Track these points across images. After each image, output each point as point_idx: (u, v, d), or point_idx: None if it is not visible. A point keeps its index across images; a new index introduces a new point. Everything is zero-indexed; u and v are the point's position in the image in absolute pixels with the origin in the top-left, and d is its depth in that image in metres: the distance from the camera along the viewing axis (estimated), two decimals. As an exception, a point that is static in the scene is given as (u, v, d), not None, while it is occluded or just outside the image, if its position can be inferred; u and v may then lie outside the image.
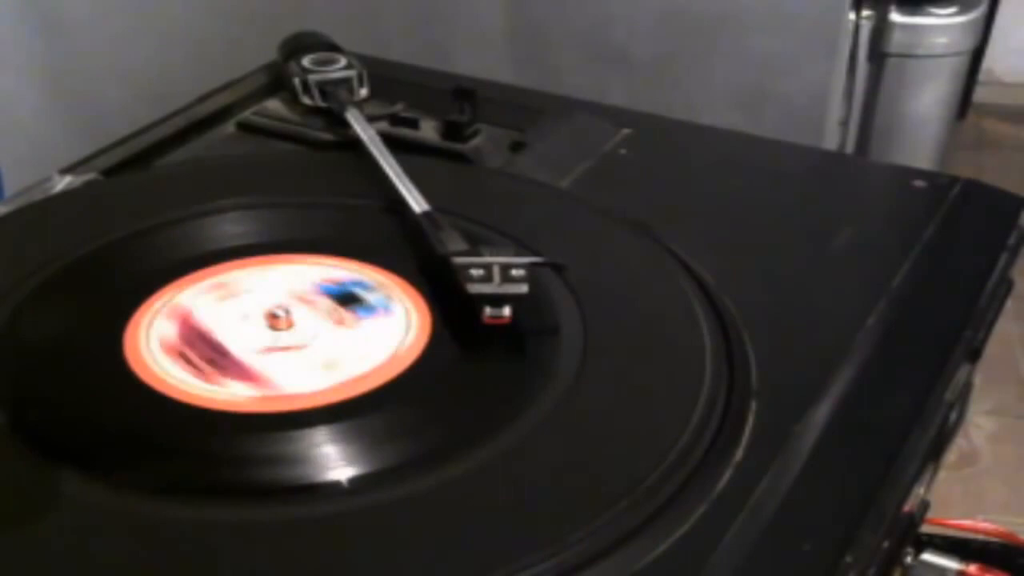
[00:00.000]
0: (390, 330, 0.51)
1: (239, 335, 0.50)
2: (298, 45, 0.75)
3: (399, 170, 0.60)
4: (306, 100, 0.72)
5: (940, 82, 1.03)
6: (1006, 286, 0.60)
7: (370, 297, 0.53)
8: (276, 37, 0.76)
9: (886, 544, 0.45)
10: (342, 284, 0.54)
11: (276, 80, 0.76)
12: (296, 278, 0.54)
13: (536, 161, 0.67)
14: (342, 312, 0.52)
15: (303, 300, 0.53)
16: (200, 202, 0.59)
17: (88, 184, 0.64)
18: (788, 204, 0.65)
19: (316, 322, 0.51)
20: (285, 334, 0.51)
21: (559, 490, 0.44)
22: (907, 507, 0.48)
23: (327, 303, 0.52)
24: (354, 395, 0.47)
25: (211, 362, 0.49)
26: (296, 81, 0.72)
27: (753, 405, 0.48)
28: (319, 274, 0.54)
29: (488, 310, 0.49)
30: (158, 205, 0.59)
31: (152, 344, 0.49)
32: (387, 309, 0.52)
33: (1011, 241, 0.62)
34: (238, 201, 0.60)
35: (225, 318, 0.52)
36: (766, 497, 0.44)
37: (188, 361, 0.49)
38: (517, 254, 0.52)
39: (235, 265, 0.55)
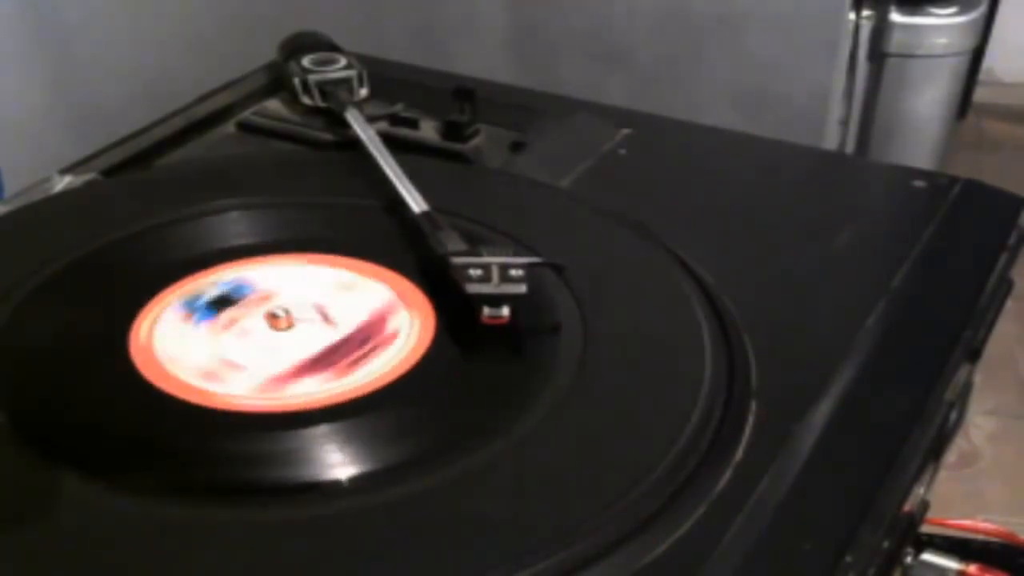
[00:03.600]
0: (284, 270, 0.54)
1: (294, 346, 0.50)
2: (298, 45, 0.75)
3: (398, 170, 0.60)
4: (306, 100, 0.72)
5: (940, 82, 1.03)
6: (1006, 286, 0.60)
7: (221, 290, 0.53)
8: (276, 37, 0.76)
9: (886, 544, 0.45)
10: (193, 303, 0.52)
11: (276, 80, 0.76)
12: (173, 319, 0.52)
13: (536, 161, 0.67)
14: (263, 302, 0.52)
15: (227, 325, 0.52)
16: (200, 202, 0.59)
17: (88, 184, 0.64)
18: (788, 204, 0.65)
19: (294, 301, 0.52)
20: (313, 325, 0.51)
21: (559, 490, 0.44)
22: (907, 507, 0.48)
23: (228, 313, 0.52)
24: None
25: (341, 360, 0.49)
26: (296, 81, 0.72)
27: (753, 405, 0.48)
28: (177, 305, 0.53)
29: (486, 310, 0.49)
30: (158, 205, 0.59)
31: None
32: (242, 278, 0.53)
33: (1011, 241, 0.62)
34: (238, 201, 0.60)
35: (251, 353, 0.50)
36: (766, 497, 0.44)
37: (327, 365, 0.48)
38: (516, 254, 0.52)
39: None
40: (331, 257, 0.56)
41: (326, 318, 0.52)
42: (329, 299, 0.53)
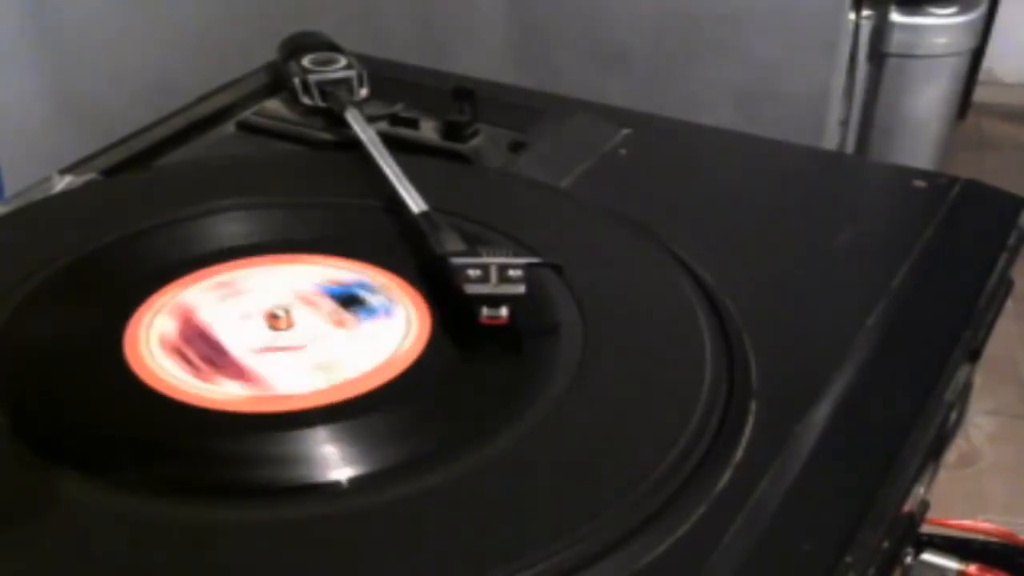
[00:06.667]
0: (389, 333, 0.51)
1: (238, 334, 0.50)
2: (298, 45, 0.75)
3: (398, 170, 0.60)
4: (306, 100, 0.72)
5: (940, 82, 1.03)
6: (1006, 286, 0.60)
7: (372, 299, 0.53)
8: (276, 37, 0.76)
9: (886, 544, 0.45)
10: (345, 285, 0.54)
11: (276, 80, 0.76)
12: (299, 278, 0.54)
13: (536, 161, 0.67)
14: (343, 313, 0.52)
15: (305, 301, 0.52)
16: (200, 202, 0.59)
17: (88, 184, 0.64)
18: (788, 204, 0.65)
19: (316, 323, 0.51)
20: (284, 334, 0.51)
21: (559, 490, 0.44)
22: (907, 507, 0.48)
23: (329, 304, 0.52)
24: (353, 395, 0.47)
25: (208, 360, 0.49)
26: (296, 81, 0.72)
27: (753, 405, 0.48)
28: (322, 274, 0.54)
29: (485, 310, 0.49)
30: (158, 205, 0.59)
31: (152, 344, 0.49)
32: (388, 312, 0.52)
33: (1011, 241, 0.62)
34: (238, 201, 0.60)
35: (226, 317, 0.51)
36: (766, 497, 0.44)
37: (185, 359, 0.49)
38: (514, 255, 0.52)
39: (238, 264, 0.55)
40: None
41: (286, 349, 0.51)
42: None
